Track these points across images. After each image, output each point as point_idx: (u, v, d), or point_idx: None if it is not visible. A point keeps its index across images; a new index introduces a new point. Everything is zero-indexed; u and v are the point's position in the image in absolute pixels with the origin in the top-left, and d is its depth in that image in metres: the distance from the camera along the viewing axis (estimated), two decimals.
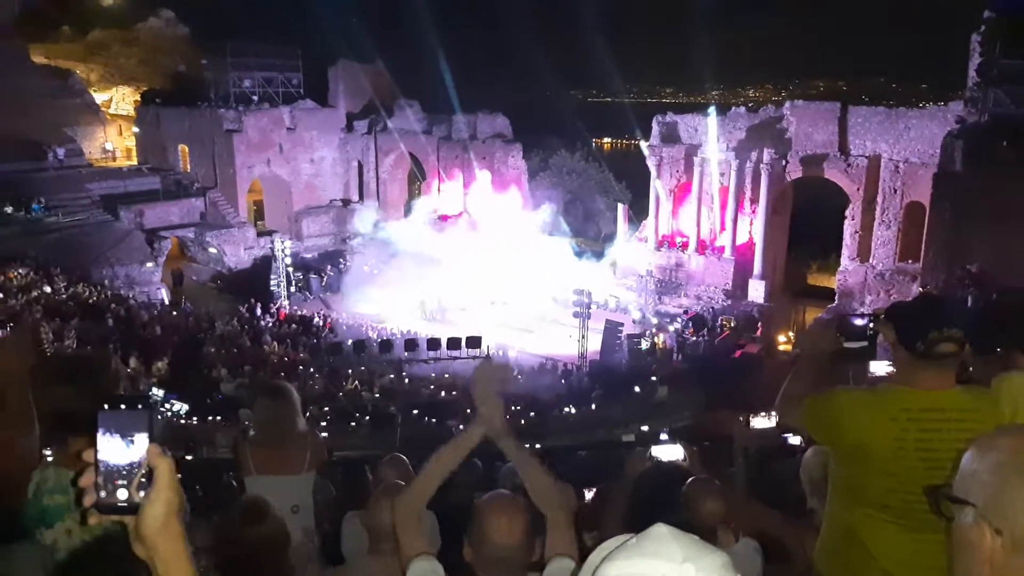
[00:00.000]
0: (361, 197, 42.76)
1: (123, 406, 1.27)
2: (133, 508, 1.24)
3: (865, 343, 2.83)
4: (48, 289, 24.86)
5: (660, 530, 1.24)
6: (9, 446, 2.76)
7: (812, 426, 2.81)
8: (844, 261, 30.98)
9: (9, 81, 36.17)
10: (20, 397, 2.92)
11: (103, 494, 1.24)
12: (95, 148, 42.72)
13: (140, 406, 1.28)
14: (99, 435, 1.25)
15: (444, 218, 38.29)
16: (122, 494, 1.24)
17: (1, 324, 15.57)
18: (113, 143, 44.39)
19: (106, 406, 1.26)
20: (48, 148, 37.28)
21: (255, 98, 40.47)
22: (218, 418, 16.71)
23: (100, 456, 1.24)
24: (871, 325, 2.81)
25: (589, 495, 4.85)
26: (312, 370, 22.00)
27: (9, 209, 31.38)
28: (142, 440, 1.25)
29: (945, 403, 2.53)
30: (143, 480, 1.25)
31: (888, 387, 2.68)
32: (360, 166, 42.99)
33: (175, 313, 27.99)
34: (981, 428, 2.42)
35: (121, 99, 49.32)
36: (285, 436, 4.08)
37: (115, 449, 1.24)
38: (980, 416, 2.50)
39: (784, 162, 31.03)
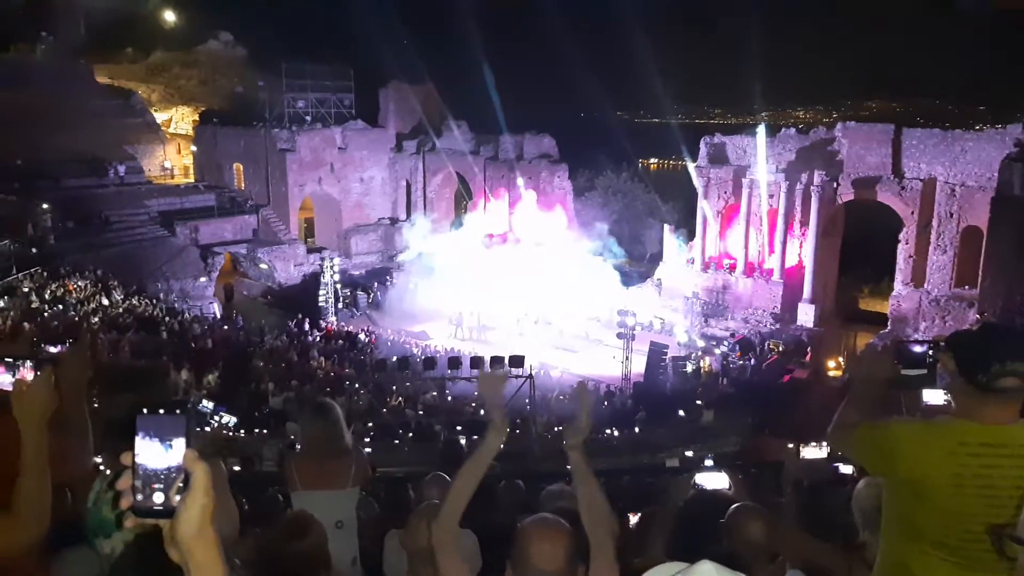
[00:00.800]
0: (408, 216, 43.27)
1: (161, 411, 1.28)
2: (169, 512, 1.25)
3: (924, 371, 2.74)
4: (106, 302, 25.63)
5: (706, 568, 1.21)
6: (65, 456, 2.83)
7: (865, 457, 2.73)
8: (897, 286, 30.24)
9: (74, 100, 37.65)
10: (78, 410, 3.00)
11: (140, 497, 1.25)
12: (154, 166, 44.13)
13: (178, 411, 1.29)
14: (138, 439, 1.26)
15: (490, 237, 38.51)
16: (158, 498, 1.25)
17: (61, 339, 16.05)
18: (172, 161, 45.80)
19: (144, 410, 1.28)
20: (110, 165, 38.62)
21: (308, 118, 41.42)
22: (265, 431, 16.95)
23: (138, 460, 1.26)
24: (931, 352, 2.72)
25: (633, 519, 4.80)
26: (357, 386, 22.21)
27: (71, 223, 32.48)
28: (179, 445, 1.27)
29: (1007, 438, 2.43)
30: (180, 485, 1.26)
31: (946, 420, 2.59)
32: (408, 185, 43.56)
33: (226, 327, 28.59)
34: None
35: (180, 119, 50.92)
36: (330, 452, 4.13)
37: (153, 453, 1.26)
38: None
39: (835, 184, 30.51)
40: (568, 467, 2.75)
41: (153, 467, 1.26)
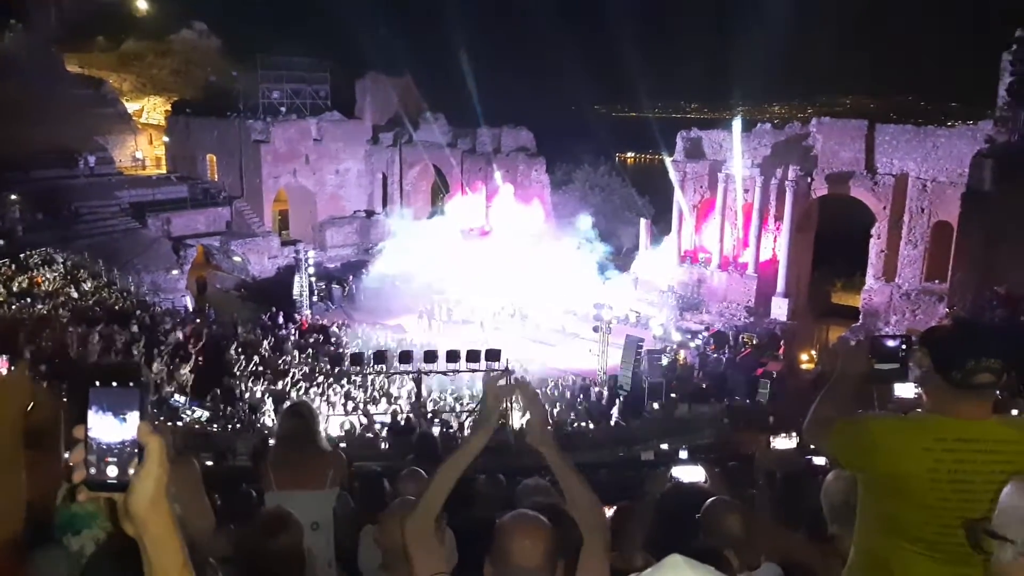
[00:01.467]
0: (385, 208, 43.03)
1: (115, 383, 1.25)
2: (123, 486, 1.23)
3: (896, 365, 2.77)
4: (75, 294, 25.23)
5: (675, 560, 1.21)
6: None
7: (841, 453, 2.74)
8: (869, 280, 30.64)
9: (44, 89, 36.90)
10: (10, 443, 2.65)
11: (93, 471, 1.23)
12: (126, 157, 43.43)
13: (132, 384, 1.26)
14: (90, 412, 1.23)
15: (468, 231, 38.43)
16: (112, 471, 1.23)
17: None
18: (143, 152, 45.10)
19: (97, 383, 1.25)
20: (80, 156, 37.96)
21: (283, 109, 40.98)
22: (239, 425, 16.81)
23: (91, 434, 1.23)
24: (903, 346, 2.76)
25: (608, 513, 4.81)
26: (331, 380, 22.10)
27: (40, 215, 31.90)
28: (133, 418, 1.24)
29: (981, 434, 2.45)
30: (136, 459, 1.24)
31: (922, 415, 2.61)
32: (384, 178, 43.31)
33: (199, 320, 28.28)
34: (1018, 460, 2.37)
35: (152, 109, 50.15)
36: (306, 452, 4.09)
37: (106, 427, 1.23)
38: (1017, 447, 2.43)
39: (809, 179, 30.82)
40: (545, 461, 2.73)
41: (107, 441, 1.23)
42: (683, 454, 11.19)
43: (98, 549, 2.37)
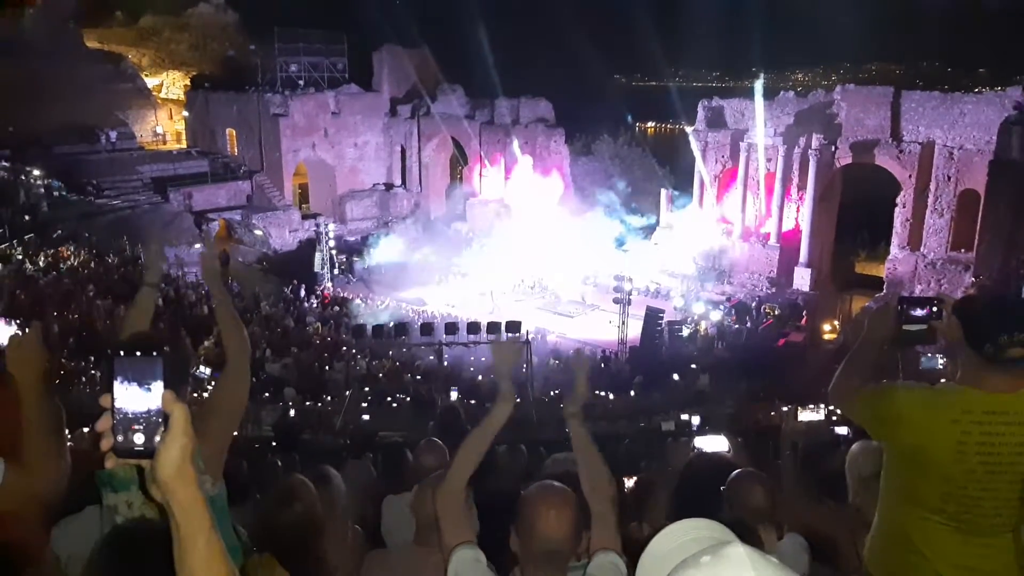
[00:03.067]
0: (404, 181, 43.00)
1: (138, 353, 1.28)
2: (149, 453, 1.26)
3: (924, 327, 2.71)
4: (100, 269, 25.53)
5: (737, 552, 1.14)
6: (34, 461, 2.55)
7: (867, 421, 2.72)
8: (894, 250, 30.24)
9: (64, 65, 37.10)
10: (35, 408, 2.60)
11: (120, 438, 1.26)
12: (146, 132, 43.68)
13: (155, 353, 1.29)
14: (115, 382, 1.26)
15: (485, 203, 38.34)
16: (139, 439, 1.26)
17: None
18: (163, 127, 45.33)
19: (121, 352, 1.27)
20: (101, 131, 38.20)
21: (301, 83, 40.90)
22: (264, 395, 17.02)
23: (117, 403, 1.26)
24: (933, 309, 2.69)
25: (629, 483, 4.82)
26: (355, 351, 22.26)
27: (64, 192, 32.23)
28: (158, 387, 1.27)
29: (1009, 406, 2.43)
30: (161, 427, 1.27)
31: (950, 387, 2.58)
32: (403, 151, 43.21)
33: None
34: None
35: (171, 84, 50.30)
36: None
37: (131, 396, 1.26)
38: None
39: (833, 148, 30.34)
40: (567, 431, 2.75)
41: (132, 409, 1.26)
42: (695, 419, 11.22)
43: (125, 523, 2.41)
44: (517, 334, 21.44)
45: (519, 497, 2.36)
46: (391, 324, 22.53)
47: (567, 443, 2.79)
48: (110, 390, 1.26)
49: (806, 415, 4.61)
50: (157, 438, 1.26)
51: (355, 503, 4.30)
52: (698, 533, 1.25)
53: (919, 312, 2.69)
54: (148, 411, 1.26)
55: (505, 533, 2.35)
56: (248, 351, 3.02)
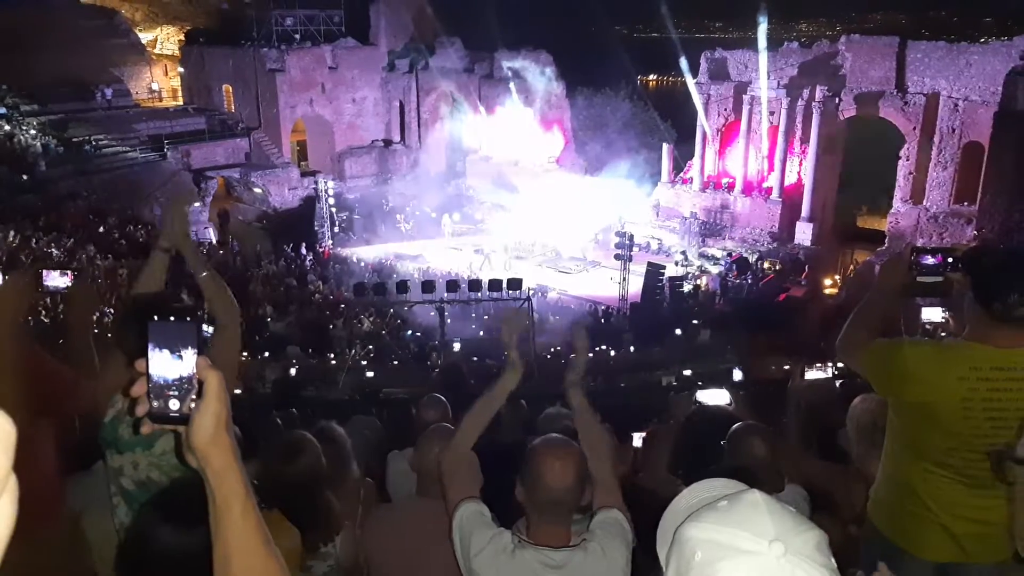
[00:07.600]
0: (403, 137, 42.60)
1: (172, 318, 1.27)
2: (184, 419, 1.26)
3: (940, 279, 2.67)
4: (101, 229, 25.46)
5: (754, 498, 1.16)
6: (73, 387, 2.87)
7: (874, 375, 2.72)
8: (896, 203, 30.08)
9: (57, 20, 36.46)
10: (84, 343, 3.06)
11: (156, 404, 1.26)
12: (141, 88, 43.10)
13: (189, 318, 1.28)
14: (149, 348, 1.25)
15: (486, 159, 38.03)
16: (174, 404, 1.26)
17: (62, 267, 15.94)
18: (159, 83, 44.70)
19: (156, 317, 1.26)
20: (96, 88, 37.72)
21: (297, 37, 40.24)
22: (267, 354, 17.11)
23: (151, 370, 1.25)
24: (950, 260, 2.65)
25: (638, 437, 4.87)
26: (357, 309, 22.33)
27: (61, 149, 31.94)
28: (190, 354, 1.26)
29: (1017, 362, 2.43)
30: (194, 394, 1.26)
31: (958, 343, 2.58)
32: (402, 106, 42.71)
33: (222, 252, 28.51)
34: None
35: (166, 39, 49.47)
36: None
37: (164, 362, 1.25)
38: None
39: (837, 100, 29.97)
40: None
41: (166, 375, 1.26)
42: (686, 372, 11.28)
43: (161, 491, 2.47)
44: (519, 291, 21.47)
45: (526, 449, 2.43)
46: (394, 279, 22.55)
47: (564, 398, 2.88)
48: (144, 355, 1.25)
49: (814, 373, 4.62)
50: (192, 404, 1.26)
51: (362, 458, 4.35)
52: (723, 489, 1.27)
53: (932, 262, 2.65)
54: (181, 377, 1.26)
55: (506, 484, 2.42)
56: (237, 312, 3.07)
